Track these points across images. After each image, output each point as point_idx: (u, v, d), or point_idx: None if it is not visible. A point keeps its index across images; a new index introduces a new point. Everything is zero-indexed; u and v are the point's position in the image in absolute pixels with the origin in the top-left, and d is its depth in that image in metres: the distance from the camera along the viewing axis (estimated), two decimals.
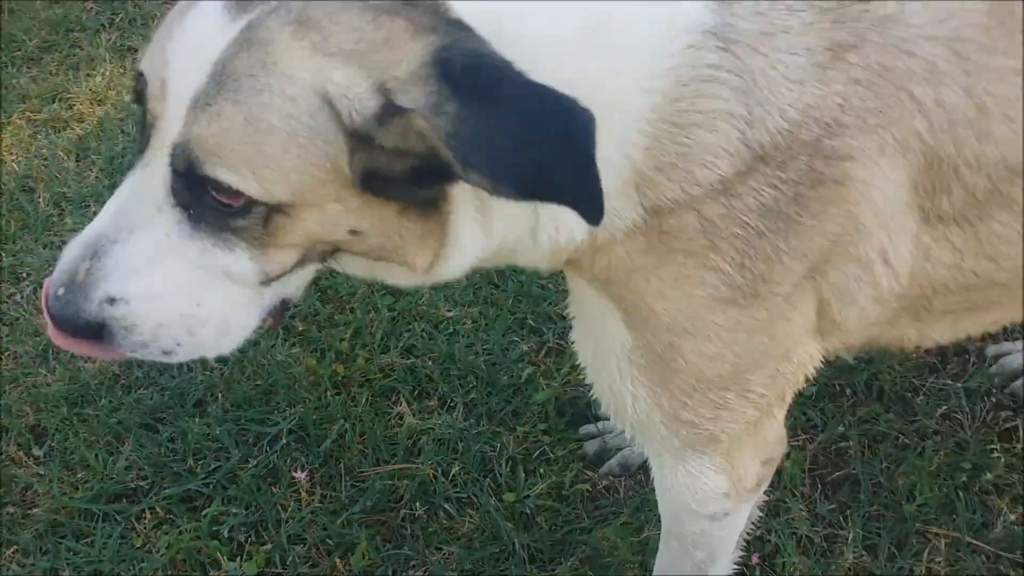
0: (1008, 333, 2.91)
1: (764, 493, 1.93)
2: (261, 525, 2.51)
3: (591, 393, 2.75)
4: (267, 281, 1.43)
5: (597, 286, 1.59)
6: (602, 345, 1.67)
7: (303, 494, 2.55)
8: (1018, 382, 2.76)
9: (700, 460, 1.74)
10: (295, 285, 1.52)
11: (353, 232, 1.39)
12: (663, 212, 1.45)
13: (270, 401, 2.75)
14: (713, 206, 1.43)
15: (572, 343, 1.84)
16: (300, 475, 2.54)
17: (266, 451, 2.64)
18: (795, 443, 2.61)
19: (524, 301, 2.99)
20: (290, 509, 2.53)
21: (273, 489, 2.57)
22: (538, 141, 1.22)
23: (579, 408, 2.74)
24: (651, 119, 1.39)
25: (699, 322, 1.52)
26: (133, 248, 1.37)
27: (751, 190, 1.42)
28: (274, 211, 1.33)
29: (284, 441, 2.65)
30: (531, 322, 2.94)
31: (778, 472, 2.49)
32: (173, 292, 1.39)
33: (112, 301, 1.38)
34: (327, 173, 1.32)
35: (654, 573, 2.12)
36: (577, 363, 2.80)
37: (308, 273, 1.52)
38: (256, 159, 1.29)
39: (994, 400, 2.72)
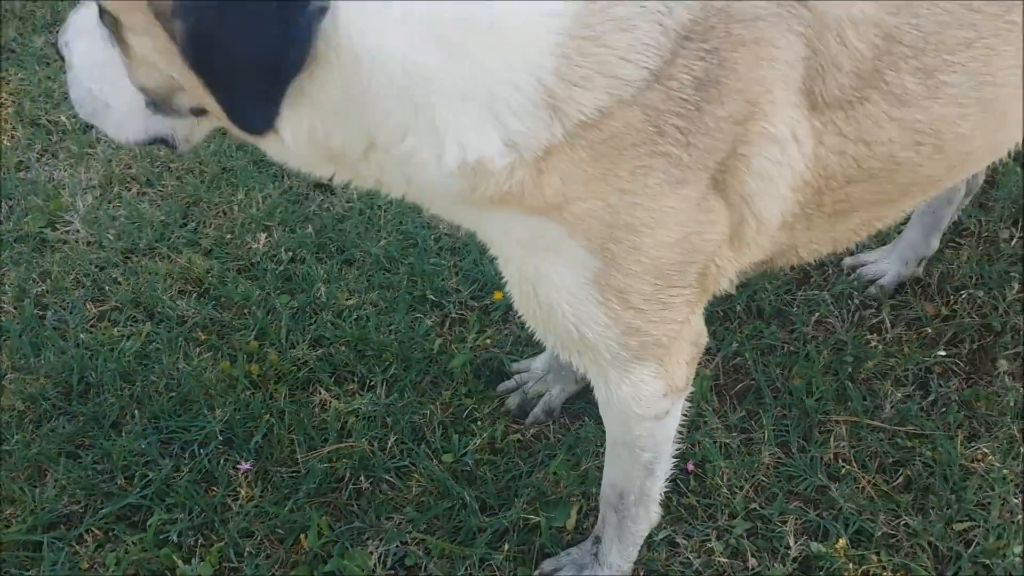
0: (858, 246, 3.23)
1: (683, 412, 2.12)
2: (207, 527, 2.50)
3: (504, 350, 2.90)
4: (152, 104, 1.68)
5: (555, 216, 1.63)
6: (557, 281, 1.73)
7: (244, 490, 2.56)
8: (873, 287, 3.07)
9: (641, 370, 1.89)
10: (182, 134, 1.76)
11: (173, 80, 1.57)
12: (593, 124, 1.52)
13: (189, 409, 2.74)
14: (651, 95, 1.52)
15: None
16: (244, 466, 2.55)
17: (197, 456, 2.63)
18: (698, 366, 2.81)
19: (419, 280, 3.09)
20: (234, 508, 2.53)
21: (212, 490, 2.57)
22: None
23: (493, 367, 2.87)
24: (559, 40, 1.47)
25: (658, 212, 1.62)
26: (80, 14, 1.74)
27: (683, 68, 1.53)
28: (115, 21, 1.57)
29: (213, 444, 2.65)
30: (431, 297, 3.04)
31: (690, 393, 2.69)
32: (87, 64, 1.73)
33: (67, 45, 1.77)
34: None
35: (604, 486, 2.25)
36: (483, 328, 2.95)
37: (188, 125, 1.73)
38: None
39: (858, 302, 3.03)
